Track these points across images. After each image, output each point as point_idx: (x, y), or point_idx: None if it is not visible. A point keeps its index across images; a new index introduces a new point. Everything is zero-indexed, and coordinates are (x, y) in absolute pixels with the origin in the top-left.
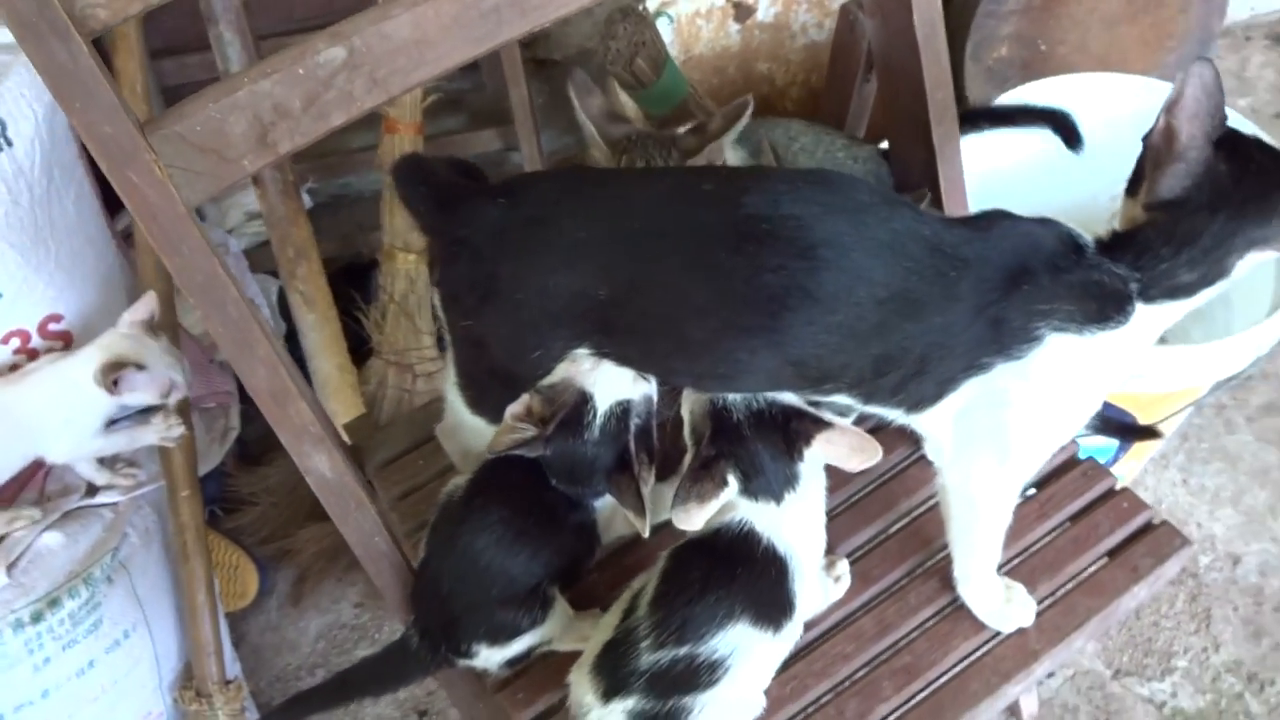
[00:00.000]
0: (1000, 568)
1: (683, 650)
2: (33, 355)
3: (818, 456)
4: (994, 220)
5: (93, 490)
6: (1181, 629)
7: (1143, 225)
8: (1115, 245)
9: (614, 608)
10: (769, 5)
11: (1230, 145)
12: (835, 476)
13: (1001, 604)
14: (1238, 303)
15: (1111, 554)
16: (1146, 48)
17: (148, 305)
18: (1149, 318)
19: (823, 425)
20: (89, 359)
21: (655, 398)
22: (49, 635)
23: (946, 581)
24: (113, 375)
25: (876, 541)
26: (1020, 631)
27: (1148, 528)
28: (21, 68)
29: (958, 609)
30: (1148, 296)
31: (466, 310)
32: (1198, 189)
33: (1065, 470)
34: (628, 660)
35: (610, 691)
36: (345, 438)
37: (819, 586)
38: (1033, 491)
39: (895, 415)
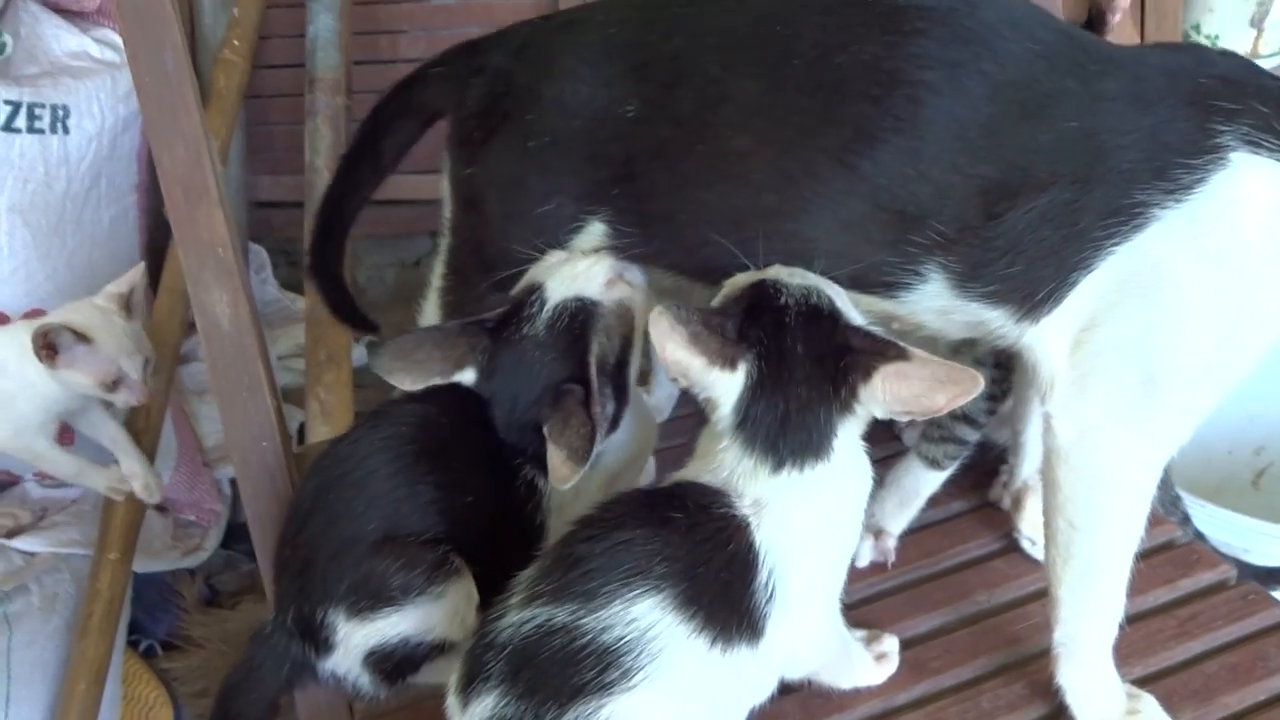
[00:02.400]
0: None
1: (561, 611)
2: None
3: (884, 402)
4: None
5: (15, 531)
6: None
7: None
8: None
9: None
10: None
11: None
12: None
13: (1120, 712)
14: None
15: None
16: None
17: (131, 278)
18: None
19: (893, 354)
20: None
21: (639, 317)
22: None
23: (1037, 688)
24: (48, 341)
25: (941, 631)
26: None
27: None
28: (109, 78)
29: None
30: None
31: (472, 153)
32: None
33: (1214, 591)
34: (490, 632)
35: (466, 680)
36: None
37: (834, 643)
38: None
39: (1004, 327)
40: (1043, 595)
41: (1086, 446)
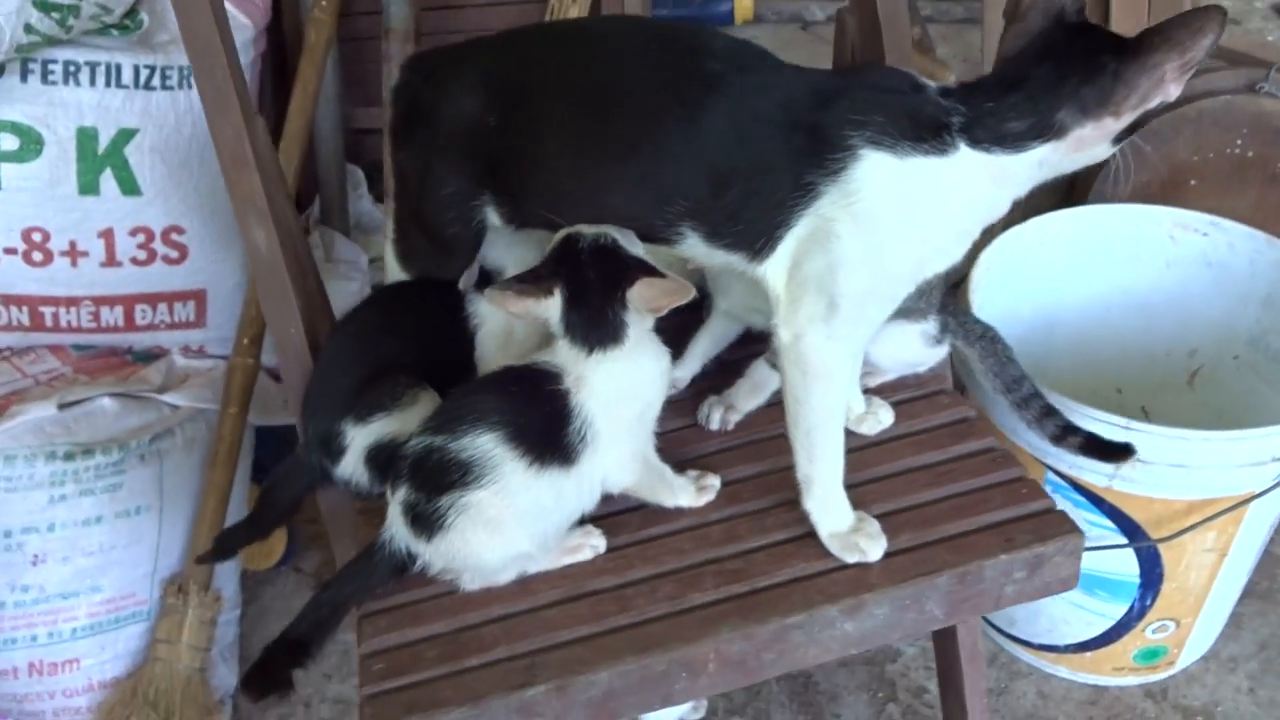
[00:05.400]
0: (867, 512)
1: (438, 438)
2: (152, 255)
3: (640, 303)
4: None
5: (164, 388)
6: None
7: (982, 76)
8: (952, 90)
9: None
10: None
11: (1077, 25)
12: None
13: (847, 529)
14: None
15: (992, 527)
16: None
17: None
18: (979, 164)
19: (647, 271)
20: None
21: None
22: (72, 476)
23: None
24: None
25: (758, 476)
26: (863, 566)
27: (1042, 513)
28: None
29: (810, 537)
30: (974, 137)
31: (399, 142)
32: (1031, 43)
33: (975, 455)
34: (405, 447)
35: (395, 476)
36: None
37: (641, 471)
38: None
39: (744, 265)
40: None
41: (798, 346)
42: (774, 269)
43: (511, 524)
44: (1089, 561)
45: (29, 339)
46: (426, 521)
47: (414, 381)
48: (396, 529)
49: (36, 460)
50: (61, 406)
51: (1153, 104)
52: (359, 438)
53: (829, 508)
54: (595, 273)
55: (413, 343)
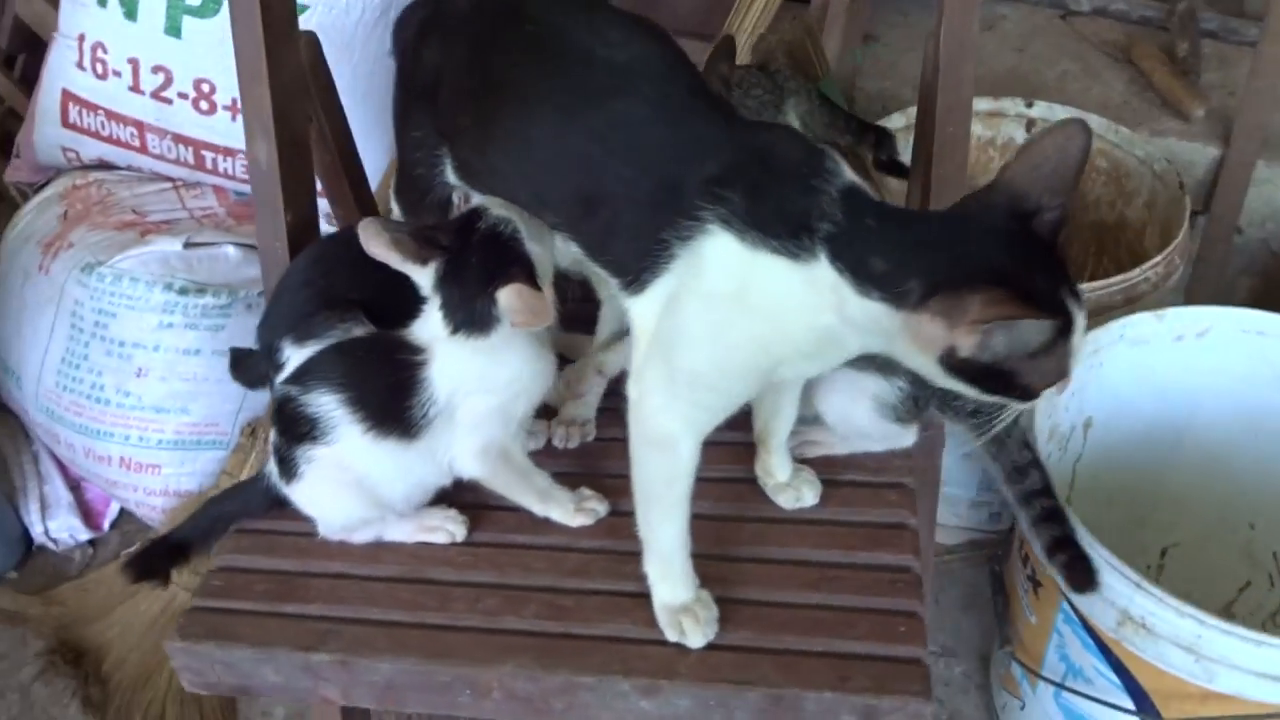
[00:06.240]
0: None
1: (293, 389)
2: None
3: (504, 309)
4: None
5: None
6: None
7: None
8: (857, 192)
9: None
10: None
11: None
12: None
13: (678, 605)
14: None
15: (837, 656)
16: None
17: None
18: (831, 285)
19: (525, 278)
20: None
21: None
22: (182, 308)
23: None
24: None
25: None
26: (681, 648)
27: (902, 661)
28: None
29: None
30: (835, 252)
31: (397, 77)
32: (981, 205)
33: (877, 569)
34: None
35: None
36: None
37: (497, 468)
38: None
39: (621, 295)
40: None
41: (640, 408)
42: (641, 311)
43: (350, 486)
44: (1089, 711)
45: (195, 176)
46: (285, 466)
47: (353, 317)
48: (270, 466)
49: (155, 287)
50: (188, 245)
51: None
52: (294, 358)
53: (665, 577)
54: (479, 259)
55: (370, 281)
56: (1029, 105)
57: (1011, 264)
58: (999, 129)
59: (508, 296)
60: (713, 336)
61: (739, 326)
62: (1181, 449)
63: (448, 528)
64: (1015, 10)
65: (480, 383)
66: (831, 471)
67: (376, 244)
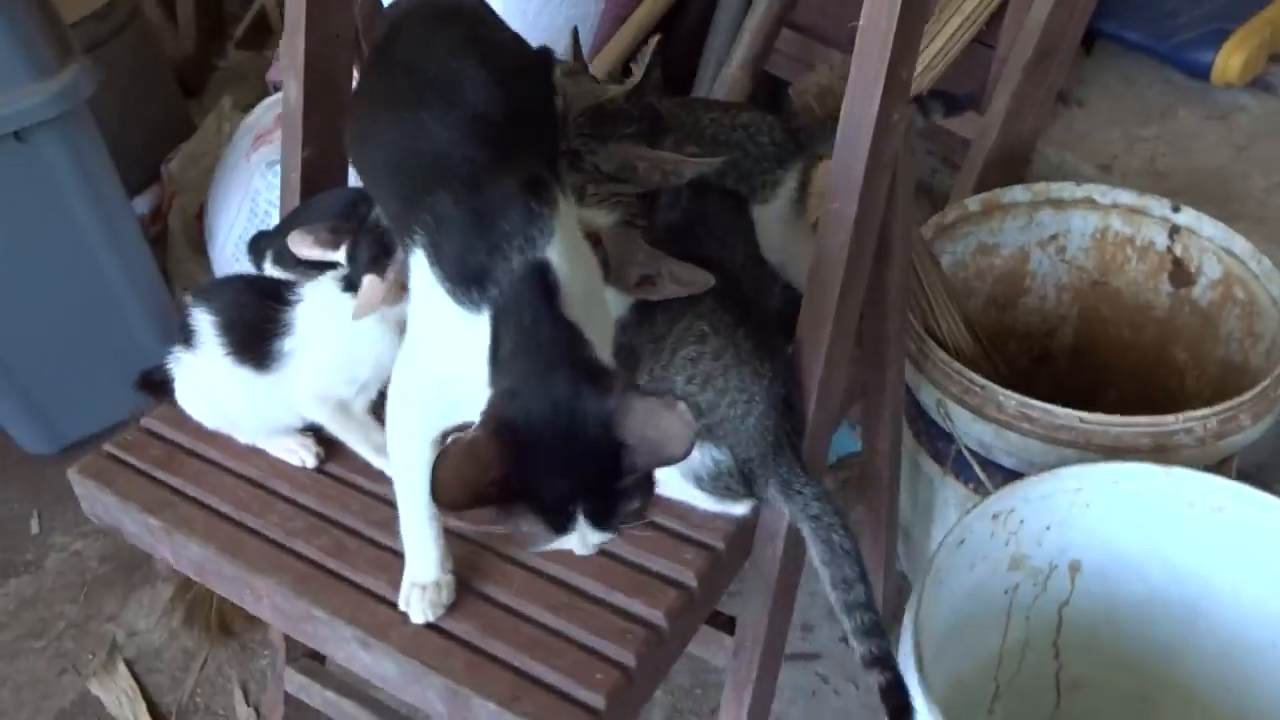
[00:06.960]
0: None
1: (192, 299)
2: None
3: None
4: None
5: None
6: None
7: None
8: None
9: None
10: (1209, 287)
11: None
12: None
13: (418, 582)
14: None
15: (524, 674)
16: None
17: None
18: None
19: (384, 269)
20: None
21: None
22: None
23: None
24: None
25: None
26: (406, 619)
27: (576, 703)
28: None
29: None
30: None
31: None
32: None
33: (620, 613)
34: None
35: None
36: None
37: (334, 417)
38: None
39: None
40: None
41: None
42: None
43: (204, 394)
44: None
45: None
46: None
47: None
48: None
49: None
50: None
51: None
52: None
53: (413, 554)
54: (366, 242)
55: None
56: (1175, 209)
57: None
58: (1139, 228)
59: (365, 283)
60: (411, 343)
61: (425, 337)
62: (1195, 632)
63: (300, 453)
64: (1263, 104)
65: (330, 340)
66: (657, 510)
67: (303, 247)
